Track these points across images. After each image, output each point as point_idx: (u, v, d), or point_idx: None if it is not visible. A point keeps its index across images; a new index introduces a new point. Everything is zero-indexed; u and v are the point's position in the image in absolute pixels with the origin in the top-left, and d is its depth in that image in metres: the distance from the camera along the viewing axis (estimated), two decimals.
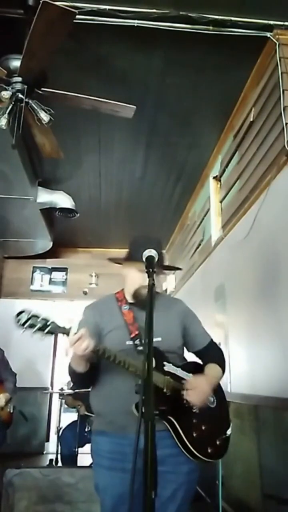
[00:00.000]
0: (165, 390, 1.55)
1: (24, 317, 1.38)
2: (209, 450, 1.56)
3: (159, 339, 1.58)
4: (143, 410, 1.02)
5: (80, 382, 1.73)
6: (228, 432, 1.67)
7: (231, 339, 3.32)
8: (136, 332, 1.62)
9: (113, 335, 1.64)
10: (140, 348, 1.58)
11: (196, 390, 1.56)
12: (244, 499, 2.82)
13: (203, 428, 1.59)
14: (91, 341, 1.41)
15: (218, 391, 1.73)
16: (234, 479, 2.99)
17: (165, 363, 1.61)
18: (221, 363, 1.77)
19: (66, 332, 1.41)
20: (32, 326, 1.38)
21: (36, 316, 1.40)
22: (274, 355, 2.50)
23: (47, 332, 1.40)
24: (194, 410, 1.59)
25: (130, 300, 1.73)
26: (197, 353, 1.80)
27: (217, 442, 1.62)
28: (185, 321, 1.77)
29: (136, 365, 1.49)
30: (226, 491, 3.04)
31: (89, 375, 1.59)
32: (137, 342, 1.60)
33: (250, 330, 2.96)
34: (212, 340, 1.83)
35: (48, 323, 1.40)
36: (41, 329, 1.39)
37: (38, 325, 1.38)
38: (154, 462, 0.97)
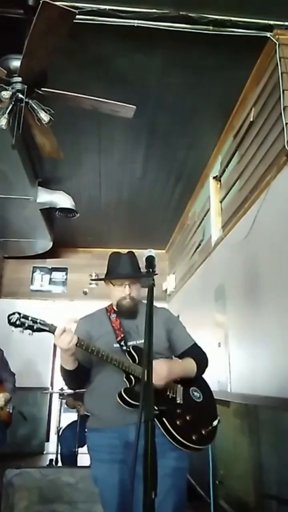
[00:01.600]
0: None
1: (14, 317, 1.54)
2: (193, 437, 1.65)
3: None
4: (143, 411, 1.03)
5: (70, 382, 1.82)
6: (214, 423, 1.77)
7: (231, 339, 3.33)
8: (122, 335, 1.78)
9: (102, 339, 1.78)
10: (124, 348, 1.74)
11: (156, 371, 1.59)
12: (244, 499, 2.82)
13: (187, 418, 1.69)
14: (74, 336, 1.57)
15: (205, 388, 1.86)
16: (234, 479, 2.99)
17: None
18: (199, 361, 1.84)
19: (52, 330, 1.56)
20: (21, 324, 1.53)
21: (26, 317, 1.55)
22: (274, 355, 2.50)
23: (35, 330, 1.55)
24: (178, 401, 1.72)
25: (118, 312, 1.88)
26: (180, 356, 1.88)
27: (202, 431, 1.70)
28: (168, 325, 1.89)
29: (118, 359, 1.64)
30: (226, 491, 3.04)
31: (78, 374, 1.72)
32: (122, 343, 1.76)
33: (250, 330, 2.96)
34: (195, 343, 1.92)
35: (37, 322, 1.56)
36: (29, 327, 1.54)
37: (27, 324, 1.54)
38: (154, 461, 0.98)
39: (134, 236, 5.84)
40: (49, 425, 6.13)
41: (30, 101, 2.34)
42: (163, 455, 1.54)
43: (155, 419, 1.58)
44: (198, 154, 4.01)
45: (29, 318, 1.55)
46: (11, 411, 3.49)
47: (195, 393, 1.80)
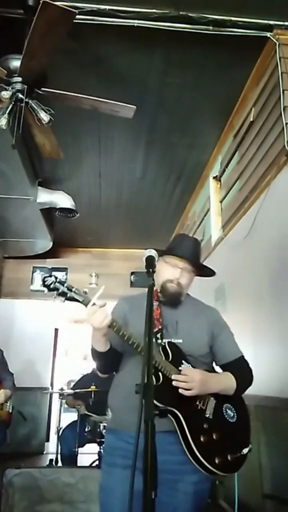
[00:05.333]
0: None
1: (50, 280, 1.51)
2: (216, 460, 1.45)
3: (180, 341, 1.59)
4: (143, 410, 1.01)
5: (101, 364, 1.68)
6: (244, 451, 1.56)
7: None
8: (159, 327, 1.62)
9: (137, 326, 1.57)
10: (159, 341, 1.58)
11: (188, 379, 1.46)
12: (244, 499, 2.82)
13: (213, 436, 1.50)
14: (108, 315, 1.47)
15: (241, 409, 1.67)
16: (234, 479, 2.99)
17: (183, 361, 1.56)
18: (241, 379, 1.66)
19: (86, 302, 1.50)
20: (55, 289, 1.50)
21: (62, 282, 1.52)
22: (274, 355, 2.50)
23: (68, 298, 1.51)
24: (207, 415, 1.54)
25: (161, 297, 1.74)
26: (223, 367, 1.73)
27: (228, 457, 1.50)
28: (214, 330, 1.72)
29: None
30: (226, 491, 3.04)
31: (109, 357, 1.59)
32: (158, 336, 1.60)
33: (250, 330, 2.96)
34: (242, 357, 1.74)
35: (72, 290, 1.51)
36: (63, 294, 1.50)
37: (61, 290, 1.50)
38: (154, 461, 0.96)
39: (134, 236, 5.84)
40: (49, 425, 6.13)
41: (30, 101, 2.35)
42: (182, 478, 1.45)
43: (177, 430, 1.46)
44: (198, 154, 4.01)
45: (65, 285, 1.51)
46: (10, 411, 3.50)
47: (229, 411, 1.60)
